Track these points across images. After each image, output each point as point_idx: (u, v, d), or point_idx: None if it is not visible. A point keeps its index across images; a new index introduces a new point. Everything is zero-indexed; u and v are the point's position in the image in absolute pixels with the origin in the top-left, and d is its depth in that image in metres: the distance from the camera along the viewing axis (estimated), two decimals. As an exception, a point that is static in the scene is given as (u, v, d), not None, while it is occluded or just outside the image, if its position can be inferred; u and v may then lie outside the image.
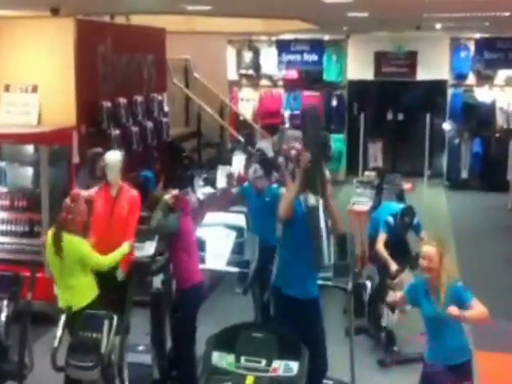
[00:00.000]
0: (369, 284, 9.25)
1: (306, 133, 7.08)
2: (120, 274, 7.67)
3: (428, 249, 5.98)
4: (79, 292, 7.15)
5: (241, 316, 8.82)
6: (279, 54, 20.36)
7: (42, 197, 9.57)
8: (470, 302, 5.74)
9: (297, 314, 6.68)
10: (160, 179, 10.94)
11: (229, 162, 13.28)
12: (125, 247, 7.52)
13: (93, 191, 8.22)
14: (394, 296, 6.65)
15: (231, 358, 5.82)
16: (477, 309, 5.71)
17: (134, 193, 8.23)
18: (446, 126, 19.45)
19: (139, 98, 12.05)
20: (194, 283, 7.55)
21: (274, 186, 9.69)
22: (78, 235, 7.16)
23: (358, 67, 20.16)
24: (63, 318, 6.91)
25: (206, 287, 8.03)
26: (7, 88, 10.41)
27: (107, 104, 10.85)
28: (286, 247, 6.91)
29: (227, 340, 5.92)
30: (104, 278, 7.47)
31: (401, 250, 9.19)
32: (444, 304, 5.78)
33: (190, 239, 7.69)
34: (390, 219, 9.12)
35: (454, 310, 5.62)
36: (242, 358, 5.80)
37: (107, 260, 7.35)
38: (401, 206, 9.58)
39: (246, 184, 10.16)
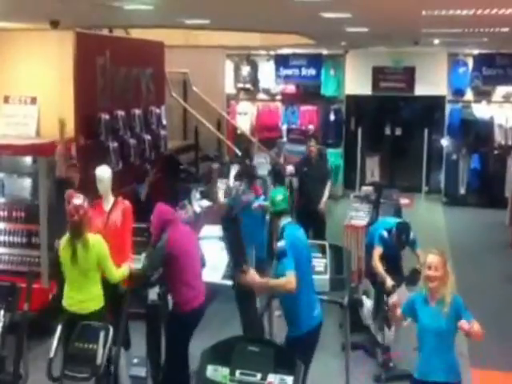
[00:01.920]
0: (365, 299, 9.26)
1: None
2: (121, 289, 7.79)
3: (433, 258, 5.97)
4: (92, 295, 7.28)
5: (236, 329, 8.82)
6: (277, 68, 20.40)
7: (40, 208, 9.57)
8: (471, 320, 5.77)
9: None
10: (155, 191, 11.02)
11: (226, 176, 13.29)
12: (125, 270, 7.65)
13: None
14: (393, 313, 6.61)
15: (226, 371, 5.79)
16: (476, 326, 5.74)
17: (127, 204, 8.50)
18: (444, 141, 19.47)
19: (137, 111, 12.05)
20: (188, 309, 7.47)
21: (261, 197, 9.88)
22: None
23: (356, 82, 20.18)
24: (59, 328, 6.94)
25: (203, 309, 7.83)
26: (6, 99, 10.42)
27: (106, 116, 10.85)
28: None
29: (222, 353, 5.89)
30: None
31: (396, 264, 9.20)
32: (448, 312, 5.81)
33: (185, 261, 7.50)
34: (385, 233, 9.09)
35: (464, 323, 5.64)
36: (237, 372, 5.77)
37: (118, 274, 7.47)
38: (396, 220, 9.57)
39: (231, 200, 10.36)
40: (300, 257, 6.65)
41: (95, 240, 7.29)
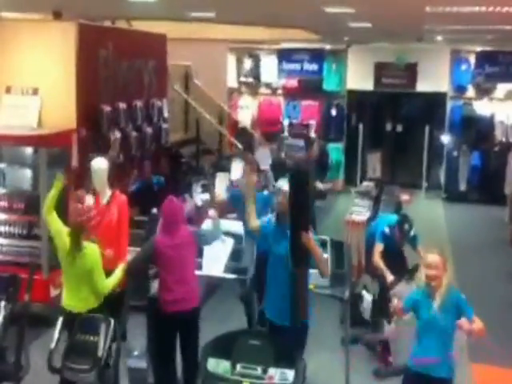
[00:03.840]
0: (365, 294, 9.26)
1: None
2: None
3: (433, 257, 6.00)
4: (86, 294, 7.09)
5: (238, 323, 8.83)
6: (279, 63, 20.39)
7: (40, 199, 9.55)
8: (472, 317, 5.78)
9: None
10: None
11: (227, 169, 13.28)
12: (119, 273, 7.32)
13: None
14: (394, 307, 6.63)
15: (227, 364, 5.82)
16: (478, 324, 5.75)
17: (123, 198, 8.44)
18: (445, 138, 19.45)
19: (139, 103, 12.06)
20: (164, 310, 7.24)
21: (265, 192, 9.78)
22: (91, 241, 7.19)
23: (358, 77, 20.15)
24: (61, 320, 6.92)
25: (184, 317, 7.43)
26: (8, 90, 10.41)
27: (107, 108, 10.86)
28: (278, 278, 6.68)
29: (224, 347, 5.92)
30: None
31: (397, 261, 9.18)
32: (442, 308, 5.82)
33: (166, 267, 7.28)
34: (387, 230, 9.08)
35: (463, 323, 5.65)
36: (238, 365, 5.80)
37: (106, 285, 7.14)
38: (398, 216, 9.56)
39: (233, 191, 10.28)
40: None
41: (91, 248, 7.05)
